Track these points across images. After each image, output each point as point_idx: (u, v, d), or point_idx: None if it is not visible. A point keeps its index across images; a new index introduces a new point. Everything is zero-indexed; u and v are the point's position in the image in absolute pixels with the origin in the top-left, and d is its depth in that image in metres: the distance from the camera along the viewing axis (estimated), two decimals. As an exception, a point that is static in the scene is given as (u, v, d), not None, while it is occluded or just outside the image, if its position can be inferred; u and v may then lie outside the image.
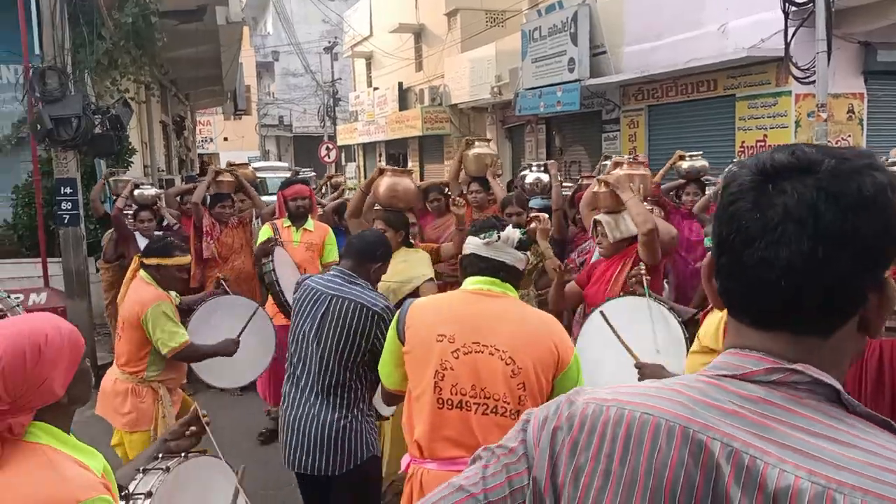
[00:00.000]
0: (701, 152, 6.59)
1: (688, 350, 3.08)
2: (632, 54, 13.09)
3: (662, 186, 6.45)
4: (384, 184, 4.86)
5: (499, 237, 2.43)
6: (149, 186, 7.07)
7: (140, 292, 4.04)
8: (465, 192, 5.99)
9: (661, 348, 3.25)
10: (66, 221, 6.90)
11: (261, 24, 42.81)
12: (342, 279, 3.16)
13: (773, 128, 10.70)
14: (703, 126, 12.08)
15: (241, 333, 4.36)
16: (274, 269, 4.98)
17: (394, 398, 2.65)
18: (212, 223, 6.59)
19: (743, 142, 11.21)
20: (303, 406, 3.13)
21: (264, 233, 5.62)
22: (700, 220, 5.98)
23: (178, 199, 7.81)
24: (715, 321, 2.76)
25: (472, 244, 2.48)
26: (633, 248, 4.18)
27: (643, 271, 3.60)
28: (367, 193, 5.07)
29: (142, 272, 4.10)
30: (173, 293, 4.22)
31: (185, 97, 19.65)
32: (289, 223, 5.77)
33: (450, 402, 2.30)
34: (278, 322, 5.08)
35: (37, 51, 7.04)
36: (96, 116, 6.94)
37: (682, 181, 6.51)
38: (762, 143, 10.89)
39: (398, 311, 2.50)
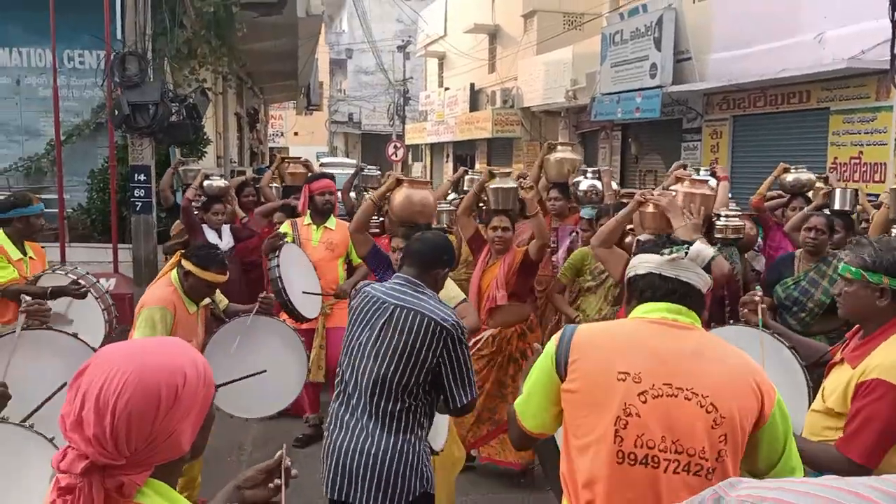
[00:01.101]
0: (806, 166, 6.15)
1: (809, 403, 2.59)
2: (718, 61, 12.55)
3: (767, 203, 6.02)
4: (399, 196, 4.45)
5: (686, 253, 2.02)
6: (218, 177, 6.87)
7: (154, 289, 3.86)
8: (545, 198, 5.70)
9: None
10: (138, 209, 6.87)
11: (336, 21, 43.22)
12: (409, 287, 2.84)
13: (869, 144, 10.07)
14: (792, 139, 11.48)
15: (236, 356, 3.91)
16: (278, 266, 4.67)
17: (529, 441, 2.18)
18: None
19: (836, 158, 10.58)
20: (352, 429, 2.78)
21: (283, 229, 5.38)
22: (791, 240, 5.46)
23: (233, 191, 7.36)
24: (844, 379, 2.30)
25: (652, 261, 2.05)
26: None
27: (759, 297, 3.08)
28: (378, 206, 4.62)
29: (173, 272, 3.88)
30: (208, 299, 4.01)
31: (260, 90, 19.84)
32: (309, 221, 5.55)
33: (633, 457, 1.86)
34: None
35: (118, 36, 7.03)
36: (174, 104, 6.89)
37: (784, 196, 6.05)
38: (857, 161, 10.27)
39: (559, 338, 2.04)
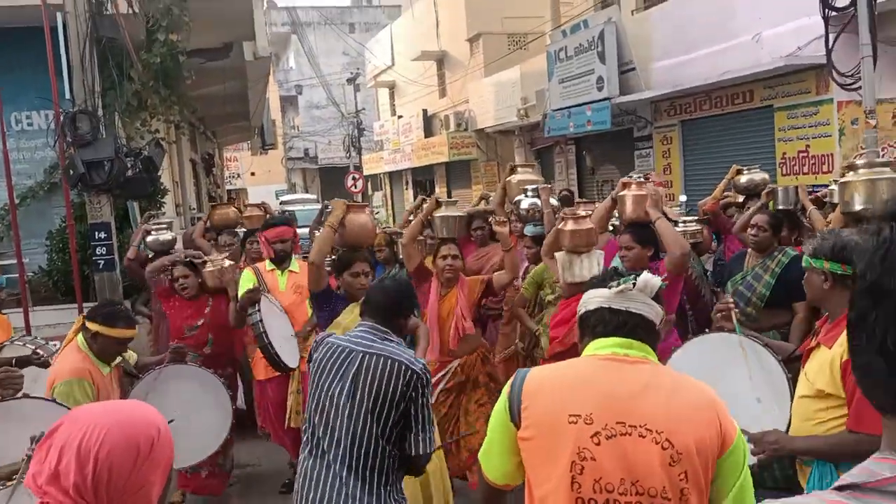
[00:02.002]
0: (759, 165, 6.29)
1: (793, 395, 2.68)
2: (662, 69, 12.86)
3: (722, 202, 6.19)
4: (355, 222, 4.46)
5: (634, 284, 1.92)
6: (164, 230, 6.34)
7: (63, 360, 3.68)
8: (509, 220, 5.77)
9: (761, 396, 2.81)
10: (101, 266, 6.78)
11: (283, 58, 43.31)
12: (373, 335, 2.80)
13: (815, 137, 10.37)
14: (740, 139, 11.77)
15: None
16: (262, 321, 4.58)
17: (498, 495, 2.07)
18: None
19: (784, 153, 10.88)
20: (330, 486, 2.67)
21: (246, 279, 5.11)
22: (741, 240, 5.55)
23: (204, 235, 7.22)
24: (827, 358, 2.41)
25: (601, 295, 1.95)
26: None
27: (731, 303, 3.13)
28: (335, 231, 4.50)
29: (79, 337, 3.73)
30: (121, 356, 3.92)
31: (213, 134, 19.78)
32: (272, 266, 5.39)
33: (593, 503, 1.77)
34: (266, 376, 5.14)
35: (67, 95, 6.98)
36: (129, 159, 6.85)
37: (740, 198, 6.20)
38: (804, 154, 10.56)
39: (510, 384, 1.95)
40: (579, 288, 4.07)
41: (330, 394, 2.74)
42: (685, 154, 13.11)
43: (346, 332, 2.94)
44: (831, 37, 8.87)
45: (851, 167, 4.38)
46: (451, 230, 4.93)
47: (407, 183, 28.77)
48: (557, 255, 4.26)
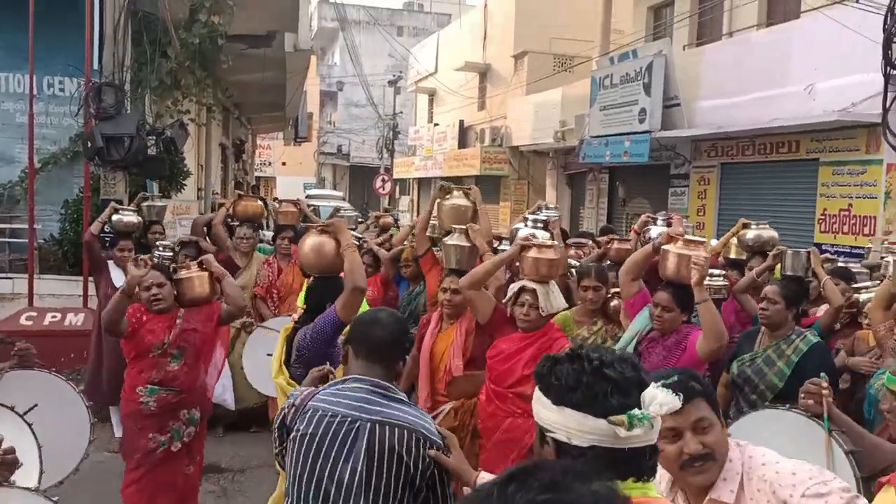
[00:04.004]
0: (768, 223, 5.69)
1: None
2: (708, 108, 12.52)
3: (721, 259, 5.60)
4: (307, 246, 3.76)
5: (643, 415, 1.42)
6: (131, 213, 6.26)
7: None
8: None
9: None
10: (108, 244, 6.59)
11: (329, 53, 43.45)
12: (377, 395, 2.24)
13: (859, 197, 9.98)
14: (781, 189, 11.39)
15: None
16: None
17: None
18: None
19: (825, 209, 10.49)
20: None
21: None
22: (739, 302, 5.02)
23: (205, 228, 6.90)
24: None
25: (596, 432, 1.43)
26: (549, 328, 3.87)
27: (825, 386, 2.51)
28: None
29: None
30: None
31: (248, 121, 19.71)
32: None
33: None
34: None
35: (96, 66, 6.84)
36: (150, 137, 6.67)
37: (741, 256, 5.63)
38: (846, 213, 10.17)
39: None
40: (546, 321, 3.83)
41: (337, 479, 2.18)
42: (721, 197, 12.75)
43: (333, 388, 2.32)
44: (890, 95, 8.51)
45: None
46: (459, 261, 4.45)
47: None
48: (534, 285, 3.81)
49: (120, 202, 6.83)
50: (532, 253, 3.93)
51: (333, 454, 2.19)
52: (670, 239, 3.83)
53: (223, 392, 5.65)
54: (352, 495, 2.17)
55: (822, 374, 2.57)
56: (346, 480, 2.18)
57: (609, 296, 4.54)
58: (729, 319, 4.87)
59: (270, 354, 4.42)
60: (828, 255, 6.34)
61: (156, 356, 3.98)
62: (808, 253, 4.82)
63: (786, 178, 11.33)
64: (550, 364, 1.51)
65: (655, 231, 4.99)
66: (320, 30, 38.94)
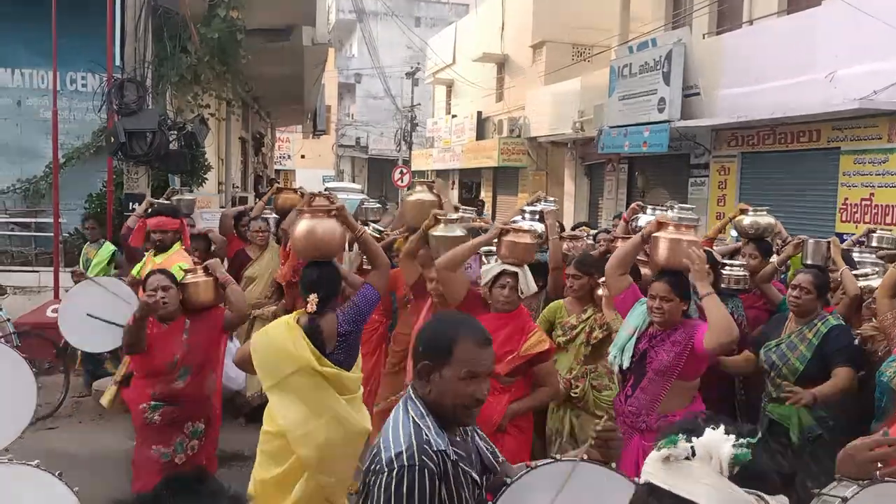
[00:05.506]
0: (767, 208, 5.55)
1: None
2: (728, 97, 12.42)
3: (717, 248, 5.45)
4: (301, 229, 3.70)
5: (692, 450, 1.24)
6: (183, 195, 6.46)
7: None
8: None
9: None
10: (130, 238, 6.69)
11: (346, 46, 43.50)
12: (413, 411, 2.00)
13: (881, 186, 9.89)
14: (801, 178, 11.30)
15: None
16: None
17: None
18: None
19: (846, 198, 10.40)
20: None
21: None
22: (763, 292, 5.00)
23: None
24: None
25: (649, 464, 1.31)
26: (521, 311, 3.88)
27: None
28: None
29: None
30: None
31: (267, 114, 19.82)
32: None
33: None
34: None
35: (118, 62, 6.94)
36: (171, 132, 6.77)
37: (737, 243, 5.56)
38: (868, 202, 10.07)
39: None
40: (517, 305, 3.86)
41: None
42: (742, 187, 12.65)
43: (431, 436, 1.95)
44: (912, 83, 8.43)
45: None
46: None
47: (454, 183, 28.58)
48: (516, 269, 3.85)
49: (143, 196, 6.93)
50: (509, 237, 3.96)
51: None
52: (660, 226, 3.73)
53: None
54: None
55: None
56: None
57: (595, 284, 4.49)
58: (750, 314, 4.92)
59: (91, 315, 4.74)
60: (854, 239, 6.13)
61: (164, 375, 4.00)
62: (829, 243, 4.84)
63: (807, 167, 11.23)
64: None
65: (644, 220, 4.91)
66: (338, 22, 38.97)
